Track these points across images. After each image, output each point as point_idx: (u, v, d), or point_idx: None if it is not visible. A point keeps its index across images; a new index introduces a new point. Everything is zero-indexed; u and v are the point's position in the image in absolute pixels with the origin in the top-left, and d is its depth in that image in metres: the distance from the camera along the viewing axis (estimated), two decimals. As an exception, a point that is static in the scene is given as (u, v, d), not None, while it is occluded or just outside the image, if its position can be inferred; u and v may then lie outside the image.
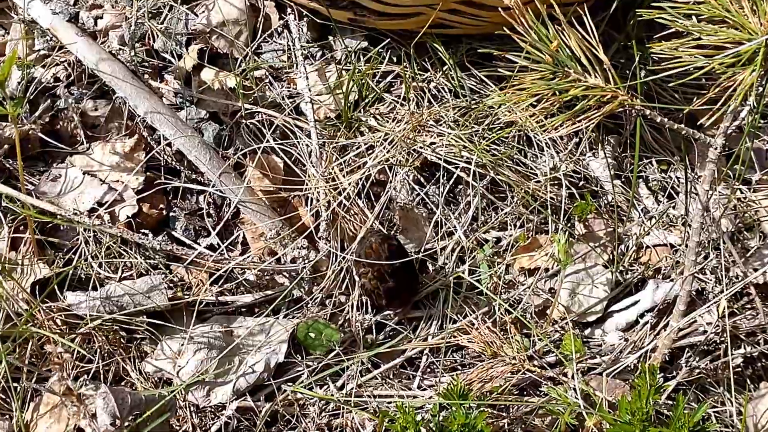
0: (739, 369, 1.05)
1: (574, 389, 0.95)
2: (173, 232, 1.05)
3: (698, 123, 0.81)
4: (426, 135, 1.09)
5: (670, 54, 0.78)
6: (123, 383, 0.97)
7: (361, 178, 1.06)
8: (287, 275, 1.04)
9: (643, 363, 1.01)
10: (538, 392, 1.02)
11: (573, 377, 0.96)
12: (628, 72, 1.13)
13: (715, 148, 0.82)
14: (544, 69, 0.83)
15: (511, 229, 1.10)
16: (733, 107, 0.79)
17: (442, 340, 1.02)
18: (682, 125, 0.87)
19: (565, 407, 0.95)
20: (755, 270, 1.06)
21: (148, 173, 1.06)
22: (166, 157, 1.06)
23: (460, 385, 0.81)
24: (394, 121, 1.09)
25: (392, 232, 1.06)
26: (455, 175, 1.10)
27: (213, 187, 1.03)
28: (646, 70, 1.13)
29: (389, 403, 0.97)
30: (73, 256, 1.01)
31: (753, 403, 1.03)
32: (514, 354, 1.00)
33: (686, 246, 1.07)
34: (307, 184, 1.06)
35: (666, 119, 0.86)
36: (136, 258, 1.00)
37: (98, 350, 0.96)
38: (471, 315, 1.03)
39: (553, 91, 0.84)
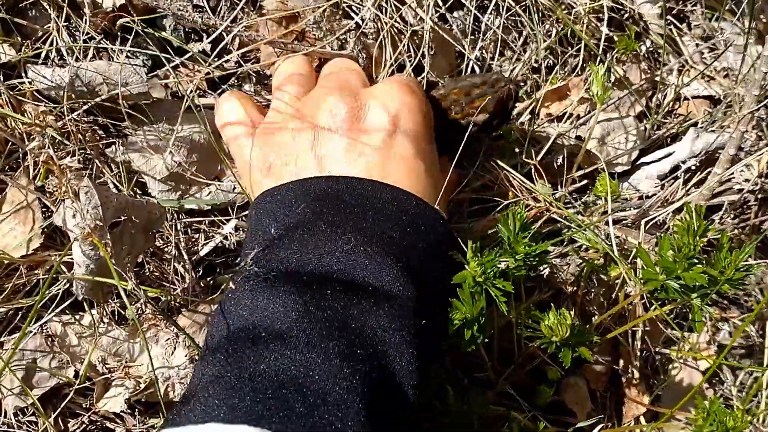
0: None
1: (607, 235, 0.87)
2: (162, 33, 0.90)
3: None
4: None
5: None
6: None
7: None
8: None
9: (676, 214, 0.94)
10: (557, 243, 0.93)
11: (607, 221, 0.88)
12: None
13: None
14: None
15: (542, 69, 0.99)
16: None
17: (467, 194, 0.92)
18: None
19: (594, 252, 0.87)
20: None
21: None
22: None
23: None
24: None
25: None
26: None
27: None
28: None
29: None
30: (42, 46, 0.86)
31: (777, 273, 0.98)
32: (539, 197, 0.91)
33: (737, 95, 0.98)
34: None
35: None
36: (122, 52, 0.85)
37: (73, 148, 0.82)
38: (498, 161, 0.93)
39: None
